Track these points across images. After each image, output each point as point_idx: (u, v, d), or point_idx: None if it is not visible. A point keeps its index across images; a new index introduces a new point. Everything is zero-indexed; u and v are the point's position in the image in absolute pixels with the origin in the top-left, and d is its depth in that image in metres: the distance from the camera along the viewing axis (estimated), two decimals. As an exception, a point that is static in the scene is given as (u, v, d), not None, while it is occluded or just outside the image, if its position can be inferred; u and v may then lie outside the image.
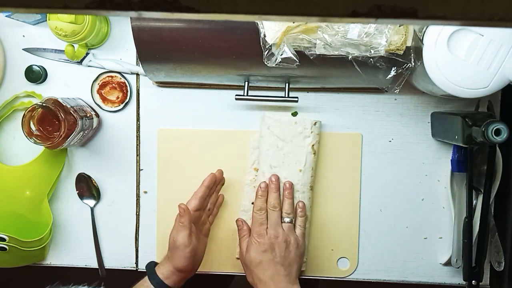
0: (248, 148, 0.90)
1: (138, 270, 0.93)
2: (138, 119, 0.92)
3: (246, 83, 0.83)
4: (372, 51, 0.69)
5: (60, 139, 0.79)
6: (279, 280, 0.78)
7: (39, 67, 0.90)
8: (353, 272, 0.91)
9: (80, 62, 0.90)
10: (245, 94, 0.83)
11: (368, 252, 0.92)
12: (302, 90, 0.89)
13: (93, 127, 0.89)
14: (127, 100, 0.91)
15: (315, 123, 0.87)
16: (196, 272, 0.84)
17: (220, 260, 0.91)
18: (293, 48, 0.70)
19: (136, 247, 0.93)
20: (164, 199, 0.91)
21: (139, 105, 0.91)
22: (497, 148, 0.85)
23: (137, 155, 0.92)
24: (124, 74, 0.91)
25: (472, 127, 0.75)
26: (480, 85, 0.70)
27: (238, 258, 0.88)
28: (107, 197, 0.93)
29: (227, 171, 0.90)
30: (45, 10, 0.25)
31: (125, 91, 0.91)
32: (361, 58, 0.70)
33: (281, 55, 0.70)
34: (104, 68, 0.90)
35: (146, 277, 0.82)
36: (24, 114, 0.80)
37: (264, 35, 0.70)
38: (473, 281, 0.85)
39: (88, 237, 0.93)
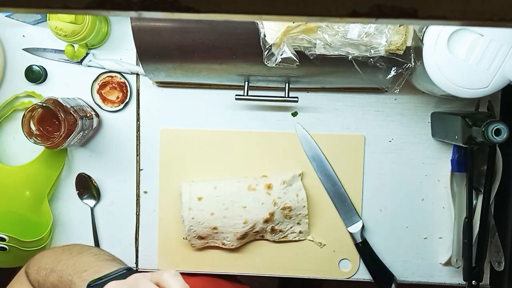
0: (250, 148, 0.90)
1: (138, 270, 0.93)
2: (138, 119, 0.92)
3: (246, 83, 0.83)
4: (372, 51, 0.69)
5: (60, 139, 0.79)
6: None
7: (39, 67, 0.90)
8: (354, 274, 0.91)
9: (80, 62, 0.90)
10: (245, 94, 0.83)
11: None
12: (302, 90, 0.89)
13: (93, 127, 0.89)
14: (127, 100, 0.91)
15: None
16: (197, 272, 0.84)
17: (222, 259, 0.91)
18: (293, 48, 0.70)
19: (136, 247, 0.93)
20: (166, 199, 0.91)
21: (139, 105, 0.91)
22: (497, 148, 0.85)
23: (137, 155, 0.92)
24: (124, 74, 0.91)
25: (472, 127, 0.75)
26: (480, 85, 0.70)
27: None
28: (107, 197, 0.93)
29: (228, 172, 0.90)
30: (45, 10, 0.25)
31: (125, 91, 0.91)
32: (361, 58, 0.70)
33: (281, 55, 0.70)
34: (104, 68, 0.90)
35: None
36: (24, 114, 0.80)
37: (264, 35, 0.70)
38: (473, 281, 0.85)
39: (88, 237, 0.93)
